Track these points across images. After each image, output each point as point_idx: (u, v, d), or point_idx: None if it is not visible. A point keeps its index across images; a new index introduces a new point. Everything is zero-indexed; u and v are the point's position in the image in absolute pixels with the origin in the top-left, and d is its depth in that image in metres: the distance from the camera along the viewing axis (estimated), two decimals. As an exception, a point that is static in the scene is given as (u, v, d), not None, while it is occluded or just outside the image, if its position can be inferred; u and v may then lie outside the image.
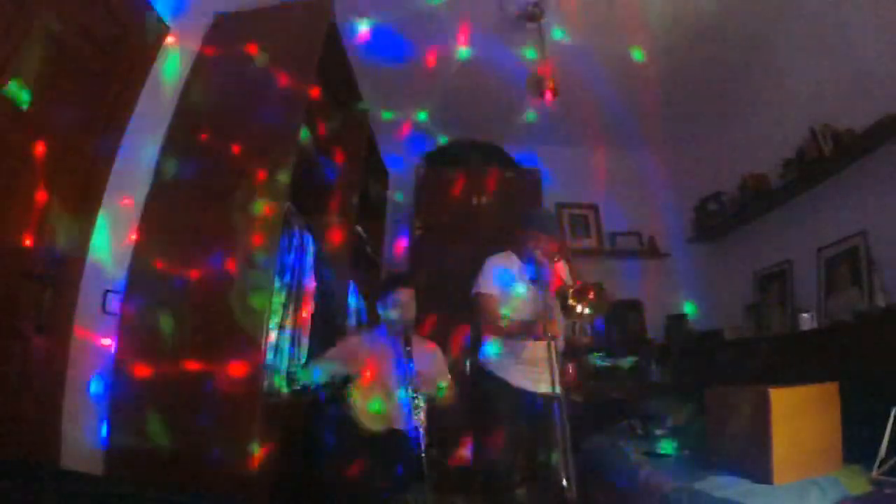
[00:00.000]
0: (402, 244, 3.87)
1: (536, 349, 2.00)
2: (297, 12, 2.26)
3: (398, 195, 4.03)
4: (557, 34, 2.93)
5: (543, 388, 2.06)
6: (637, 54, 3.04)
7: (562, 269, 2.20)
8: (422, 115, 3.73)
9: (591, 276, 2.36)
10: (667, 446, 2.40)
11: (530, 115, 3.58)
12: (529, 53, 3.02)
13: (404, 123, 3.83)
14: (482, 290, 2.15)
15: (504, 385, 2.12)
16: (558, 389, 1.86)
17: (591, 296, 1.94)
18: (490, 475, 2.10)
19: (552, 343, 1.88)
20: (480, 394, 2.21)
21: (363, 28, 2.88)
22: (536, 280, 2.08)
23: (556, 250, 2.19)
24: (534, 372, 2.06)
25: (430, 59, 3.14)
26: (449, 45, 3.05)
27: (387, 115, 3.66)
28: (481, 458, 2.17)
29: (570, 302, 1.93)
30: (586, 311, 1.94)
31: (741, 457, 1.85)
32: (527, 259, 2.18)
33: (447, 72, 3.22)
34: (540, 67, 2.97)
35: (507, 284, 2.13)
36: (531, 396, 2.09)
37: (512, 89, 3.34)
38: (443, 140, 4.06)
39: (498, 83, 3.43)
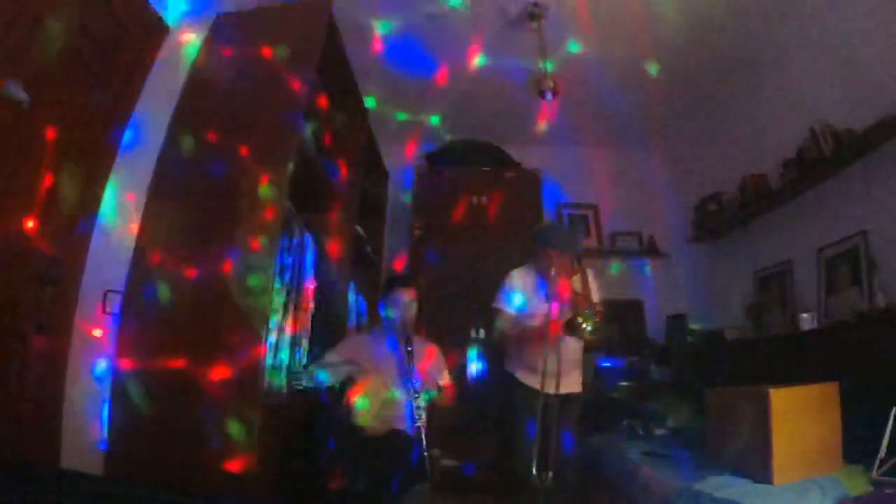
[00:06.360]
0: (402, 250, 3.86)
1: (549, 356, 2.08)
2: (297, 12, 2.26)
3: (394, 193, 4.04)
4: (557, 35, 2.93)
5: (549, 389, 2.09)
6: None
7: (576, 282, 2.25)
8: (434, 119, 3.81)
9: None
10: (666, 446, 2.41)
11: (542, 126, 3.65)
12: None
13: (415, 128, 3.87)
14: (499, 305, 2.28)
15: (521, 385, 2.23)
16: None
17: (598, 318, 2.04)
18: (513, 470, 2.18)
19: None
20: (503, 394, 2.35)
21: (375, 33, 2.94)
22: (548, 297, 2.16)
23: (571, 266, 2.25)
24: (548, 376, 2.10)
25: (442, 72, 3.25)
26: (457, 53, 3.12)
27: (401, 116, 3.71)
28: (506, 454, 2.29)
29: (580, 321, 2.00)
30: (587, 329, 2.01)
31: (741, 457, 1.84)
32: (543, 274, 2.26)
33: (458, 79, 3.30)
34: (541, 68, 2.97)
35: (522, 303, 2.25)
36: (544, 396, 2.12)
37: (520, 93, 3.36)
38: (451, 138, 4.06)
39: (504, 87, 3.47)
